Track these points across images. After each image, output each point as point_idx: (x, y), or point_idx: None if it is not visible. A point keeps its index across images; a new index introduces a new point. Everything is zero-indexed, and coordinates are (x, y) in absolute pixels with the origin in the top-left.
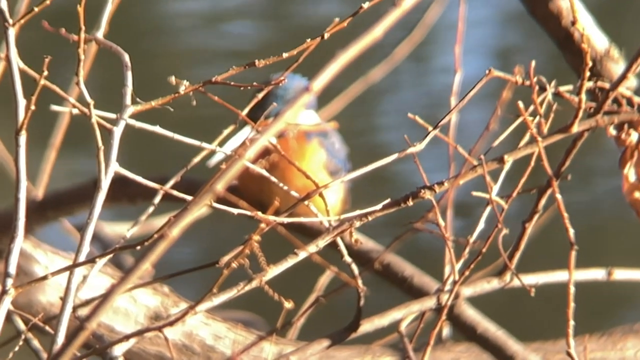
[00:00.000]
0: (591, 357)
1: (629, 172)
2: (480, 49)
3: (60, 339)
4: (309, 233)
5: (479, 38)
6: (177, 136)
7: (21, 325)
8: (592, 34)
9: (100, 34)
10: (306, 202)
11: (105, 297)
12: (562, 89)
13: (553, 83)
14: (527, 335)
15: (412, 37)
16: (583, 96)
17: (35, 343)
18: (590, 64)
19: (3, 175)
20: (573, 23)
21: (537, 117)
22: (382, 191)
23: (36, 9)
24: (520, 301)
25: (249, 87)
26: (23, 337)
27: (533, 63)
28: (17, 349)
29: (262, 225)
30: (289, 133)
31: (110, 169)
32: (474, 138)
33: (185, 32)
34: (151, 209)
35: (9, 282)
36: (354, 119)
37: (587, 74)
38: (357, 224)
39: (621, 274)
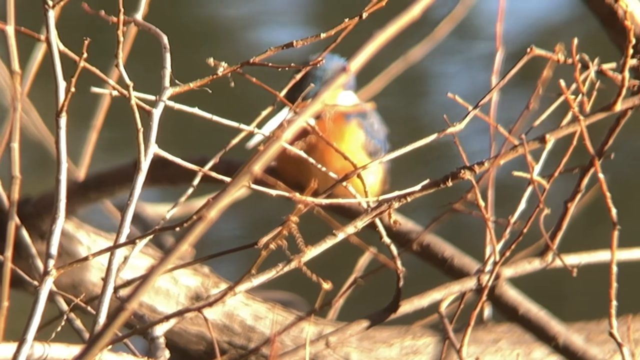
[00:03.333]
0: (635, 337)
1: None
2: (524, 26)
3: (102, 319)
4: (348, 214)
5: (522, 15)
6: (215, 118)
7: (64, 306)
8: (635, 11)
9: (139, 16)
10: (345, 183)
11: (145, 278)
12: (605, 66)
13: (596, 61)
14: (569, 315)
15: (454, 14)
16: (626, 74)
17: (78, 323)
18: (633, 41)
19: (46, 157)
20: (616, 0)
21: (580, 96)
22: (423, 172)
23: None
24: (563, 282)
25: (287, 68)
26: (65, 317)
27: (575, 41)
28: (59, 329)
29: (300, 206)
30: (327, 114)
31: (150, 151)
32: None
33: (225, 10)
34: (190, 190)
35: (51, 262)
36: (395, 99)
37: (631, 51)
38: (396, 205)
39: None
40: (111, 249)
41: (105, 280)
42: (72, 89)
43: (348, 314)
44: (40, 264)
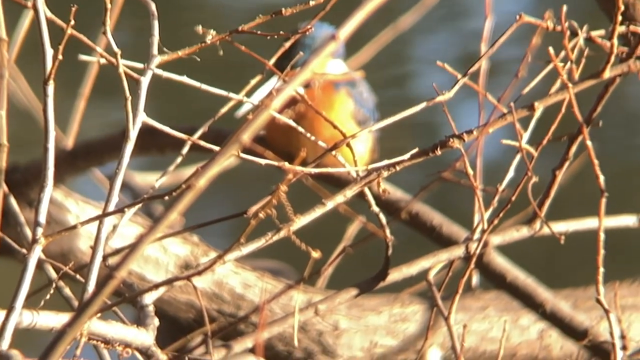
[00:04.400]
0: (622, 303)
1: None
2: None
3: (91, 287)
4: (337, 183)
5: None
6: (204, 86)
7: (52, 274)
8: None
9: None
10: (334, 152)
11: (134, 246)
12: (594, 33)
13: (585, 28)
14: (557, 282)
15: None
16: (615, 41)
17: (67, 291)
18: (622, 7)
19: (35, 125)
20: None
21: (568, 63)
22: (414, 141)
23: None
24: (551, 249)
25: (276, 36)
26: (54, 285)
27: (564, 8)
28: (48, 297)
29: (290, 175)
30: (316, 83)
31: (138, 119)
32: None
33: None
34: (179, 159)
35: (39, 230)
36: (384, 67)
37: (619, 18)
38: (385, 173)
39: None
40: (100, 218)
41: (94, 248)
42: (60, 57)
43: (337, 283)
44: (28, 232)
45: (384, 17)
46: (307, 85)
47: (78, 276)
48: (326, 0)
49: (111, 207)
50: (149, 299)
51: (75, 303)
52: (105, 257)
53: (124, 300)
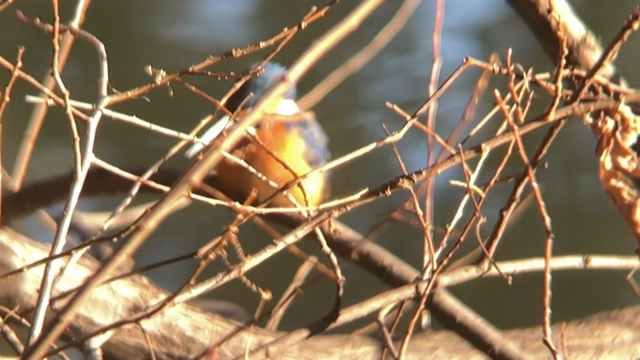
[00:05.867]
0: (569, 344)
1: (606, 159)
2: (461, 32)
3: (37, 332)
4: (289, 223)
5: (459, 20)
6: (154, 127)
7: None
8: (568, 22)
9: (75, 24)
10: (285, 192)
11: (82, 289)
12: (539, 76)
13: (530, 71)
14: (505, 323)
15: (392, 24)
16: (560, 84)
17: (12, 336)
18: (566, 51)
19: None
20: (549, 10)
21: (514, 106)
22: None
23: (10, 0)
24: (499, 290)
25: (227, 77)
26: (0, 329)
27: (510, 51)
28: None
29: (240, 216)
30: (267, 123)
31: (87, 160)
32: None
33: (162, 21)
34: (129, 200)
35: None
36: (334, 108)
37: (564, 61)
38: (336, 213)
39: (598, 262)
40: (47, 260)
41: (40, 291)
42: (7, 98)
43: (288, 324)
44: None
45: (335, 58)
46: (258, 126)
47: (24, 320)
48: (277, 41)
49: (58, 250)
50: (96, 342)
51: (21, 348)
52: (52, 301)
53: (70, 344)
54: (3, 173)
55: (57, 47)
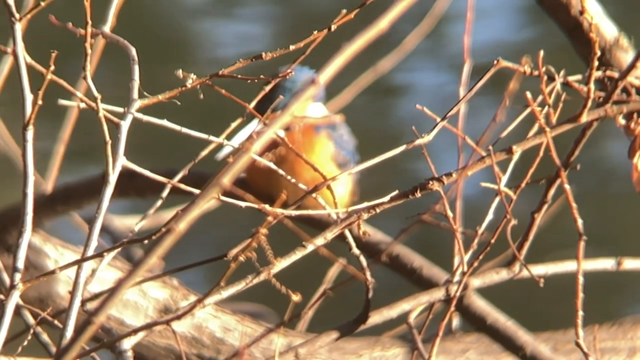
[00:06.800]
0: (601, 347)
1: (639, 161)
2: (492, 39)
3: (69, 333)
4: (317, 225)
5: (489, 28)
6: (184, 129)
7: (30, 320)
8: (601, 23)
9: (107, 28)
10: (314, 195)
11: (113, 291)
12: (571, 78)
13: (562, 73)
14: (537, 325)
15: (421, 27)
16: (592, 86)
17: (45, 337)
18: (599, 53)
19: (13, 169)
20: (581, 12)
21: (546, 107)
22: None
23: (43, 4)
24: (530, 292)
25: (257, 80)
26: (32, 331)
27: (541, 53)
28: (26, 343)
29: (270, 218)
30: (297, 126)
31: (118, 163)
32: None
33: (195, 22)
34: (159, 202)
35: (17, 276)
36: (364, 110)
37: (596, 63)
38: (365, 216)
39: (631, 264)
40: (79, 262)
41: (72, 293)
42: (40, 102)
43: (317, 326)
44: (6, 278)
45: (364, 59)
46: (287, 128)
47: (56, 322)
48: (306, 44)
49: (90, 252)
50: (127, 344)
51: (53, 349)
52: (83, 302)
53: (102, 345)
54: (35, 175)
55: (89, 51)
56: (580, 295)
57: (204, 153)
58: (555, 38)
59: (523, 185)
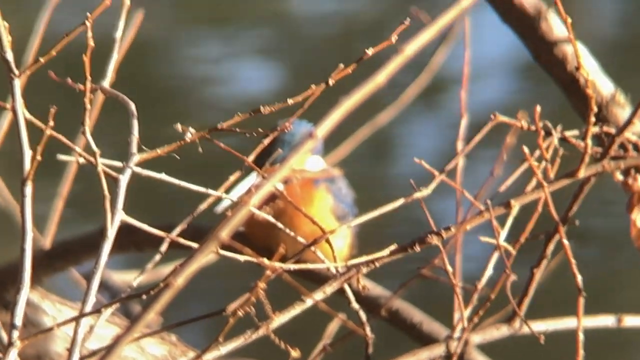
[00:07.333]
0: None
1: (637, 217)
2: (489, 99)
3: None
4: (317, 279)
5: (487, 89)
6: (183, 183)
7: None
8: (597, 79)
9: (106, 83)
10: (313, 248)
11: (111, 347)
12: (568, 134)
13: (559, 128)
14: None
15: (419, 81)
16: (589, 141)
17: None
18: (595, 109)
19: (11, 225)
20: (577, 68)
21: (544, 162)
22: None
23: (42, 60)
24: (530, 348)
25: (255, 134)
26: None
27: (538, 108)
28: None
29: (268, 272)
30: (295, 179)
31: (117, 217)
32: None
33: (193, 79)
34: (158, 256)
35: (15, 333)
36: (362, 163)
37: (593, 119)
38: (364, 270)
39: (631, 321)
40: (76, 319)
41: (70, 350)
42: (38, 157)
43: None
44: (4, 335)
45: (363, 113)
46: (286, 182)
47: None
48: (304, 98)
49: (88, 308)
50: None
51: None
52: (82, 359)
53: None
54: (34, 231)
55: (88, 106)
56: (581, 352)
57: (203, 206)
58: (553, 99)
59: (522, 240)
